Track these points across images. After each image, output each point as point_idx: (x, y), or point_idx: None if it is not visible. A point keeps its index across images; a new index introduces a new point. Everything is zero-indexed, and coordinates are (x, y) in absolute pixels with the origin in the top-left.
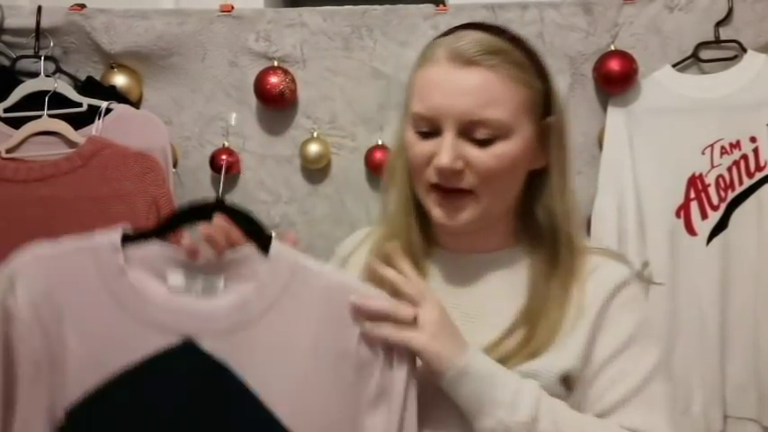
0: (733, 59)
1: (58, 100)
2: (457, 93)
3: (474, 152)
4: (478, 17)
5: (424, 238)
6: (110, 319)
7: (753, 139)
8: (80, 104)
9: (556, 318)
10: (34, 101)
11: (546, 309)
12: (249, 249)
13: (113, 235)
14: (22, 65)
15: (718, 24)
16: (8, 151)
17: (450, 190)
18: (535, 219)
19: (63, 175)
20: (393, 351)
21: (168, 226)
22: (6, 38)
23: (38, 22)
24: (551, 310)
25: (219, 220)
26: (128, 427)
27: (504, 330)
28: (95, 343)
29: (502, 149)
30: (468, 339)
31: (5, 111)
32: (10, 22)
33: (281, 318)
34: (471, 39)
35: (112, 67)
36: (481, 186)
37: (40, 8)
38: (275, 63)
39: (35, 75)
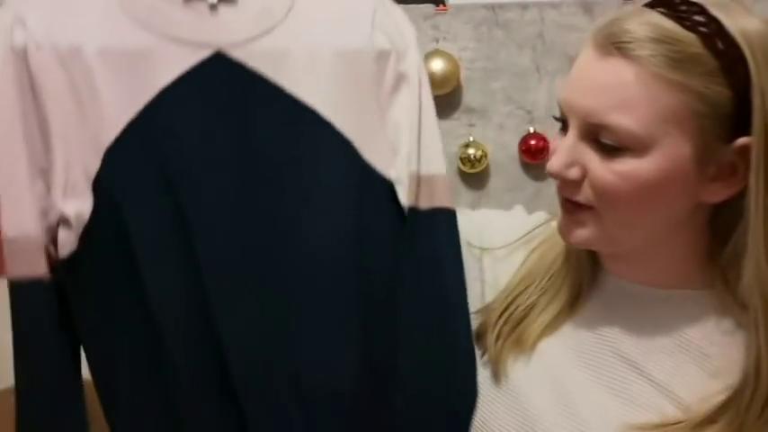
0: None
1: None
2: (586, 87)
3: (595, 162)
4: (478, 17)
5: (590, 257)
6: (133, 41)
7: None
8: None
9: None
10: None
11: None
12: None
13: None
14: None
15: None
16: None
17: (571, 202)
18: (740, 269)
19: None
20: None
21: None
22: None
23: None
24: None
25: None
26: (170, 148)
27: (691, 416)
28: (125, 70)
29: (629, 167)
30: (599, 395)
31: None
32: None
33: (300, 20)
34: (636, 20)
35: None
36: (603, 206)
37: None
38: None
39: None
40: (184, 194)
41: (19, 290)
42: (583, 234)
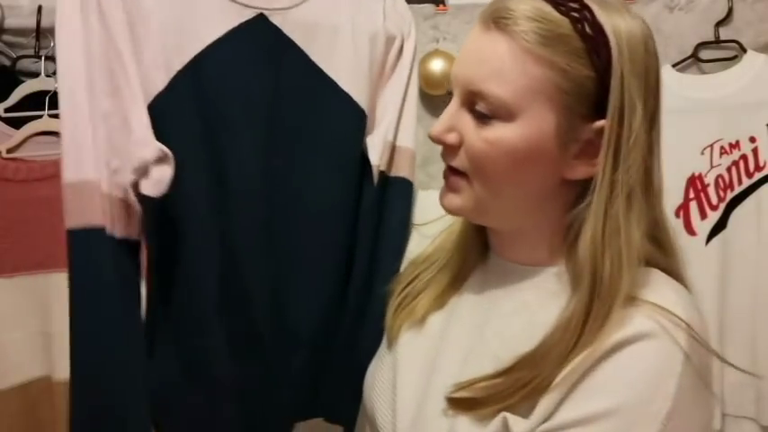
0: (733, 60)
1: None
2: (468, 59)
3: (469, 128)
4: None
5: (479, 236)
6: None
7: (752, 140)
8: None
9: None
10: (35, 101)
11: (548, 360)
12: None
13: None
14: (22, 65)
15: (718, 24)
16: (9, 151)
17: (449, 168)
18: (578, 244)
19: None
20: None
21: None
22: (6, 38)
23: (38, 22)
24: (553, 365)
25: None
26: (211, 101)
27: (499, 369)
28: (178, 21)
29: (497, 133)
30: (455, 360)
31: (6, 111)
32: (10, 22)
33: (322, 1)
34: (518, 1)
35: None
36: (473, 172)
37: (40, 8)
38: None
39: (35, 75)
40: (222, 139)
41: (77, 238)
42: (456, 200)
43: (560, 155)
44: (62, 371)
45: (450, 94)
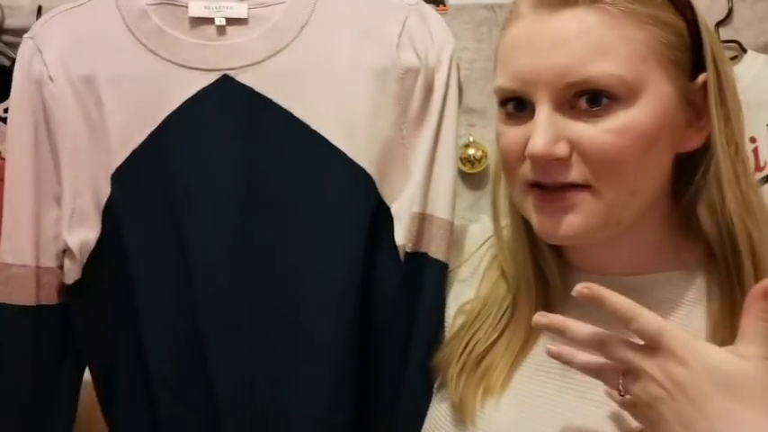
0: (733, 60)
1: None
2: (546, 47)
3: (582, 129)
4: (478, 17)
5: (554, 255)
6: (142, 66)
7: (752, 140)
8: None
9: None
10: None
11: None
12: None
13: None
14: None
15: (719, 24)
16: None
17: (555, 187)
18: (701, 227)
19: None
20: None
21: None
22: (6, 38)
23: None
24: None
25: None
26: (175, 174)
27: None
28: (133, 96)
29: (624, 121)
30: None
31: (6, 111)
32: (10, 22)
33: (314, 38)
34: None
35: None
36: (599, 177)
37: (40, 8)
38: None
39: None
40: (186, 220)
41: (6, 313)
42: (576, 221)
43: (681, 123)
44: None
45: (510, 102)
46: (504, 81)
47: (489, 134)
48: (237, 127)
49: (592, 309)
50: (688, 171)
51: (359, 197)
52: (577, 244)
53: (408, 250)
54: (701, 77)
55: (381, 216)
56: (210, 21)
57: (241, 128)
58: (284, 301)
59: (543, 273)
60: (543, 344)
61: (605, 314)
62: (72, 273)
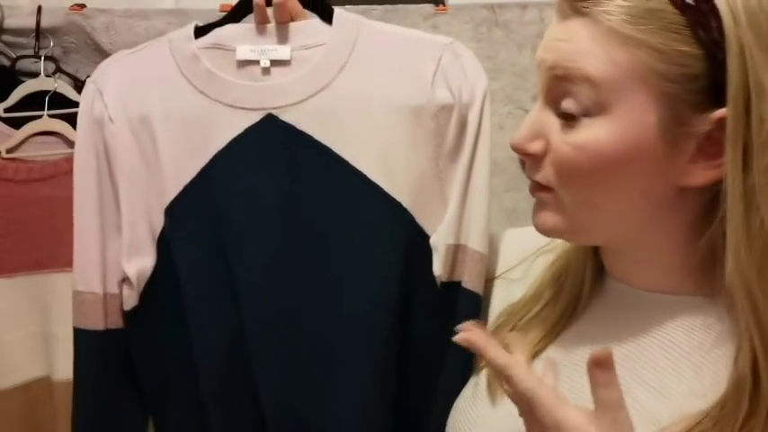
0: None
1: (59, 100)
2: (546, 47)
3: (555, 133)
4: (478, 17)
5: (594, 257)
6: (193, 107)
7: None
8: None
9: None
10: (34, 101)
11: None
12: (313, 19)
13: (187, 27)
14: (22, 65)
15: None
16: (8, 151)
17: (535, 183)
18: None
19: (63, 175)
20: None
21: (236, 14)
22: (6, 38)
23: (38, 22)
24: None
25: None
26: (224, 208)
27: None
28: (184, 135)
29: (585, 135)
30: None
31: (6, 111)
32: (10, 22)
33: (353, 77)
34: None
35: None
36: (559, 183)
37: (40, 8)
38: None
39: (35, 75)
40: (233, 248)
41: (79, 337)
42: (546, 219)
43: (669, 155)
44: (62, 371)
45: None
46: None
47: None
48: (280, 162)
49: (609, 314)
50: (714, 206)
51: (395, 229)
52: (576, 242)
53: (444, 280)
54: (717, 113)
55: (422, 246)
56: (256, 63)
57: (284, 163)
58: (323, 324)
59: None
60: (574, 331)
61: (619, 320)
62: (130, 300)
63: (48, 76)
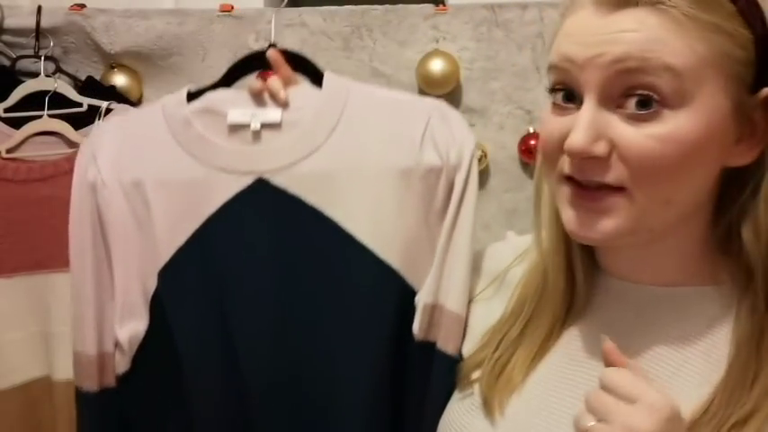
0: None
1: (59, 100)
2: (601, 41)
3: (625, 130)
4: (478, 17)
5: (585, 257)
6: (185, 171)
7: None
8: (80, 104)
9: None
10: (34, 101)
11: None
12: (303, 83)
13: (179, 92)
14: (22, 65)
15: None
16: (8, 151)
17: (590, 186)
18: (742, 245)
19: (63, 175)
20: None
21: (227, 78)
22: (6, 38)
23: (38, 22)
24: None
25: (274, 53)
26: (217, 271)
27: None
28: (177, 199)
29: (668, 127)
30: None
31: (5, 111)
32: (10, 22)
33: (343, 140)
34: None
35: (112, 67)
36: (635, 182)
37: (39, 8)
38: None
39: (35, 75)
40: (230, 310)
41: (77, 396)
42: (609, 225)
43: (728, 139)
44: (62, 371)
45: (558, 91)
46: (554, 59)
47: (489, 133)
48: (272, 226)
49: (614, 314)
50: (735, 187)
51: (386, 292)
52: (604, 246)
53: (419, 339)
54: (763, 93)
55: (413, 306)
56: (247, 126)
57: (275, 227)
58: (319, 385)
59: (573, 274)
60: (562, 346)
61: (624, 319)
62: (122, 365)
63: (48, 76)
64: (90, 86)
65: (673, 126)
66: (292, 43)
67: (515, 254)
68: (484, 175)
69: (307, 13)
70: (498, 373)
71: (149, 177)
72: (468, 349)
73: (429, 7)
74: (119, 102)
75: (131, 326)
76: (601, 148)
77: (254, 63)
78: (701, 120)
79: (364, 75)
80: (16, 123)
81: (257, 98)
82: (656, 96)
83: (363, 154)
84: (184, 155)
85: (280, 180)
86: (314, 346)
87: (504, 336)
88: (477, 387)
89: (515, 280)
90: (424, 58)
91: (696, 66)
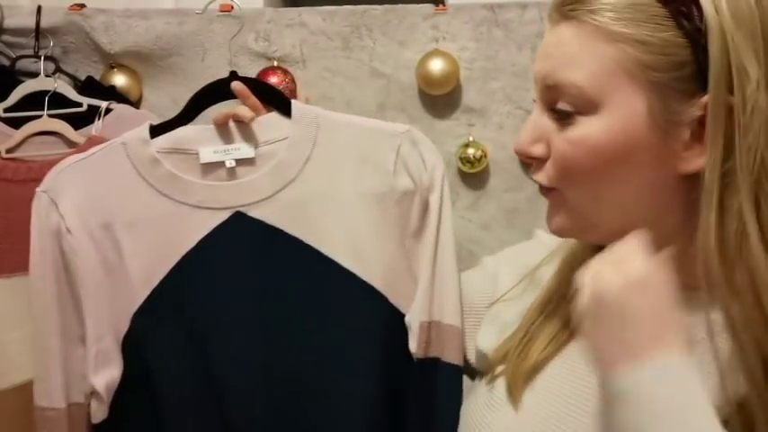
0: None
1: (58, 100)
2: (540, 56)
3: (552, 134)
4: (478, 17)
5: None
6: (157, 210)
7: None
8: (80, 104)
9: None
10: (34, 101)
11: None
12: (272, 113)
13: (140, 129)
14: (22, 65)
15: None
16: (8, 151)
17: (541, 187)
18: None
19: None
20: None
21: (190, 110)
22: (6, 38)
23: (38, 22)
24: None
25: (239, 86)
26: (197, 307)
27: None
28: (150, 238)
29: (579, 132)
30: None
31: (5, 111)
32: (10, 22)
33: (317, 169)
34: None
35: (112, 67)
36: (561, 181)
37: (39, 8)
38: (275, 63)
39: (35, 75)
40: (212, 351)
41: None
42: (557, 221)
43: (665, 144)
44: None
45: None
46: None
47: (489, 133)
48: (253, 258)
49: None
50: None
51: (371, 313)
52: (581, 240)
53: (419, 357)
54: (705, 98)
55: (399, 325)
56: (221, 164)
57: (256, 258)
58: (310, 416)
59: None
60: (574, 347)
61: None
62: (99, 413)
63: (47, 75)
64: (90, 86)
65: (584, 131)
66: (292, 43)
67: (545, 253)
68: (484, 175)
69: (306, 12)
70: (524, 358)
71: (119, 219)
72: (494, 345)
73: (429, 7)
74: (118, 102)
75: (107, 372)
76: (537, 150)
77: (217, 94)
78: (612, 125)
79: (364, 75)
80: (16, 123)
81: (222, 130)
82: (569, 108)
83: (338, 182)
84: (155, 194)
85: (257, 212)
86: (307, 374)
87: (530, 325)
88: (499, 381)
89: (544, 279)
90: (423, 57)
91: (602, 77)
